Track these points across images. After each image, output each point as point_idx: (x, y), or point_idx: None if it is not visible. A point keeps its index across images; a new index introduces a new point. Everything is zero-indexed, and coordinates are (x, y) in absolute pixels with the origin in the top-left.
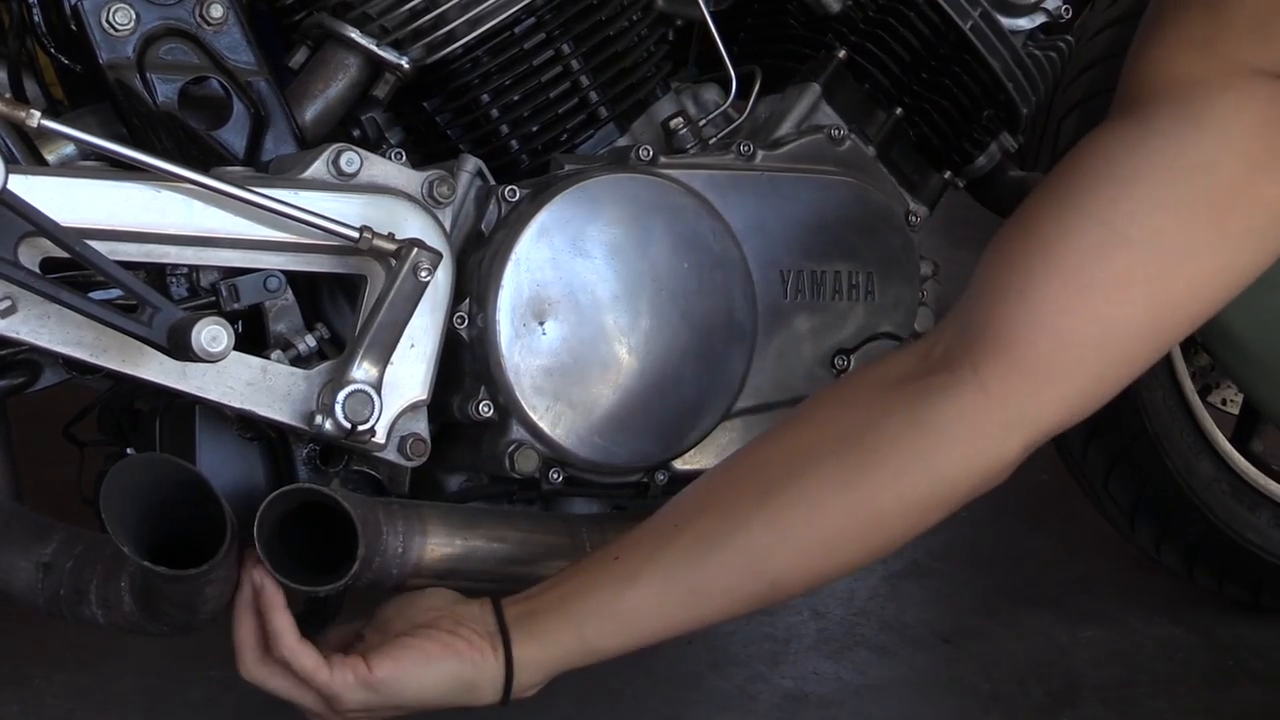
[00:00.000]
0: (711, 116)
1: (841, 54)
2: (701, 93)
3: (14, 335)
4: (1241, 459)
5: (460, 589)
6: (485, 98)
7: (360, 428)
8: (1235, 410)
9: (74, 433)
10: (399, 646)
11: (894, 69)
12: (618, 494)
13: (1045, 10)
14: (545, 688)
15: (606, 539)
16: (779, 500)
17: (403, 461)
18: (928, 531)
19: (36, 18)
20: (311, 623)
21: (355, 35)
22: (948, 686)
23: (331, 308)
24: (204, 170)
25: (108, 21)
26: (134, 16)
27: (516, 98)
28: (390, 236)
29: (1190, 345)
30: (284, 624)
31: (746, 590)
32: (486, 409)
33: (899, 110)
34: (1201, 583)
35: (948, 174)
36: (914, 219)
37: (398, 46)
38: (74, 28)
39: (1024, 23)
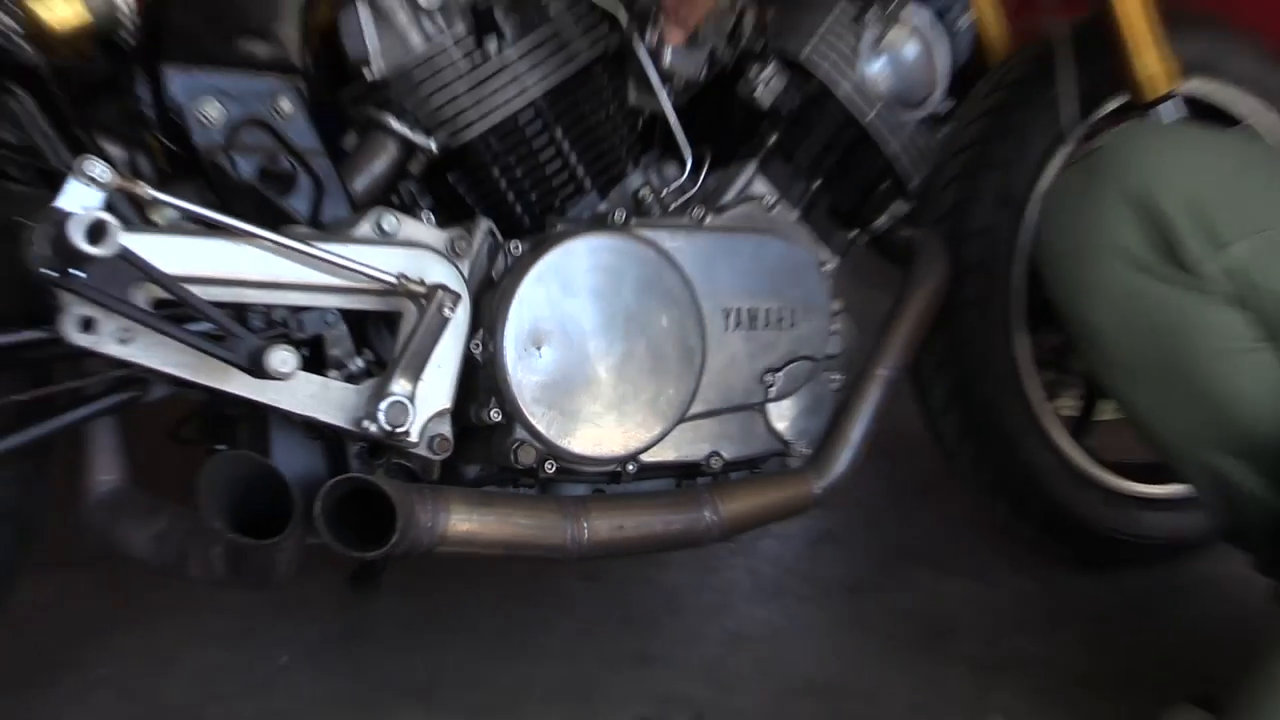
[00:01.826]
0: (671, 187)
1: (773, 140)
2: (664, 168)
3: (131, 359)
4: (1077, 450)
5: (474, 556)
6: (495, 173)
7: (398, 430)
8: (1074, 414)
9: (181, 437)
10: None
11: (812, 151)
12: (598, 480)
13: (931, 106)
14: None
15: (589, 520)
16: None
17: (431, 456)
18: (841, 502)
19: (148, 110)
20: (362, 580)
21: (394, 123)
22: (853, 627)
23: (375, 337)
24: (276, 229)
25: (201, 114)
26: (221, 110)
27: (519, 173)
28: (421, 282)
29: (1040, 366)
30: None
31: None
32: (496, 415)
33: (817, 183)
34: (1048, 549)
35: (854, 232)
36: (827, 267)
37: (427, 133)
38: (175, 118)
39: (913, 115)
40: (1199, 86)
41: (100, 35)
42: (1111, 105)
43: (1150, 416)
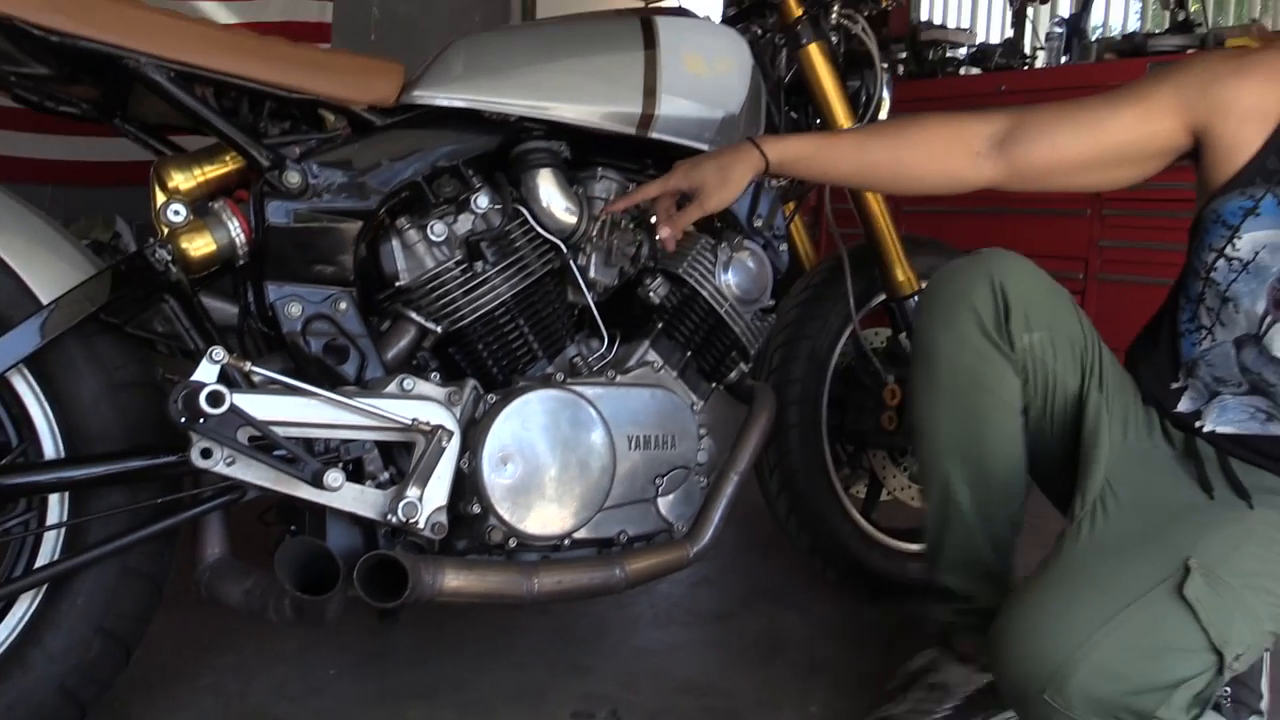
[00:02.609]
0: (594, 356)
1: (660, 325)
2: (589, 343)
3: (234, 476)
4: (865, 522)
5: (461, 605)
6: (479, 347)
7: (411, 521)
8: (863, 496)
9: (265, 520)
10: None
11: (685, 331)
12: (545, 550)
13: (763, 302)
14: (491, 652)
15: (539, 577)
16: (897, 141)
17: (433, 536)
18: (714, 557)
19: (252, 309)
20: (387, 616)
21: (413, 315)
22: (719, 644)
23: (397, 457)
24: (333, 388)
25: (286, 311)
26: (300, 309)
27: (495, 348)
28: (428, 424)
29: (839, 465)
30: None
31: (883, 172)
32: (476, 508)
33: (689, 353)
34: (849, 589)
35: (714, 384)
36: (696, 407)
37: (435, 322)
38: (270, 313)
39: (751, 308)
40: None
41: (223, 260)
42: (877, 300)
43: (935, 431)
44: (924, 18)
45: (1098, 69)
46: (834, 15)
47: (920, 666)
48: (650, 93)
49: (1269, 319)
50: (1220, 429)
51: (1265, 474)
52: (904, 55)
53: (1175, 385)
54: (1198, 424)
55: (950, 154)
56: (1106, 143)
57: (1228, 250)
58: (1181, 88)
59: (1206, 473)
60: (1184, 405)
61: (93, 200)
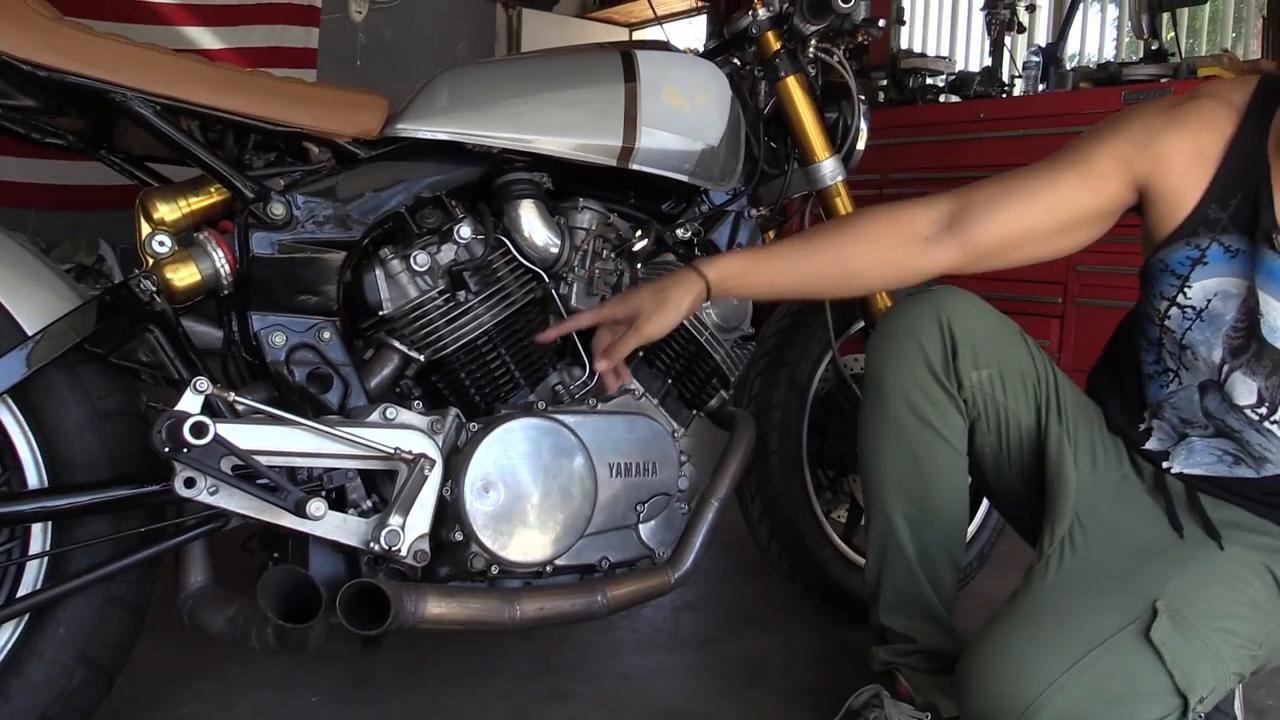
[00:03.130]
0: (576, 384)
1: (641, 353)
2: (571, 370)
3: (218, 505)
4: (845, 546)
5: (444, 632)
6: (461, 375)
7: (393, 549)
8: (844, 520)
9: (248, 548)
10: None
11: (666, 359)
12: (527, 577)
13: (743, 330)
14: (476, 678)
15: (521, 604)
16: (837, 241)
17: (415, 564)
18: (696, 583)
19: (236, 338)
20: (370, 643)
21: (396, 344)
22: (702, 669)
23: (380, 485)
24: (316, 417)
25: (270, 340)
26: (284, 338)
27: (477, 375)
28: (410, 452)
29: (819, 491)
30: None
31: (828, 276)
32: (459, 536)
33: (670, 381)
34: (828, 610)
35: (695, 411)
36: (677, 435)
37: (418, 350)
38: (254, 343)
39: (731, 336)
40: None
41: (208, 290)
42: (856, 327)
43: (879, 464)
44: (904, 46)
45: (1074, 97)
46: (811, 48)
47: (862, 703)
48: (630, 125)
49: (1227, 367)
50: (1188, 470)
51: (1235, 508)
52: (885, 83)
53: (1142, 426)
54: (1165, 464)
55: (898, 247)
56: (1055, 210)
57: (1179, 299)
58: (1120, 146)
59: (1176, 509)
60: (1152, 444)
61: (76, 224)
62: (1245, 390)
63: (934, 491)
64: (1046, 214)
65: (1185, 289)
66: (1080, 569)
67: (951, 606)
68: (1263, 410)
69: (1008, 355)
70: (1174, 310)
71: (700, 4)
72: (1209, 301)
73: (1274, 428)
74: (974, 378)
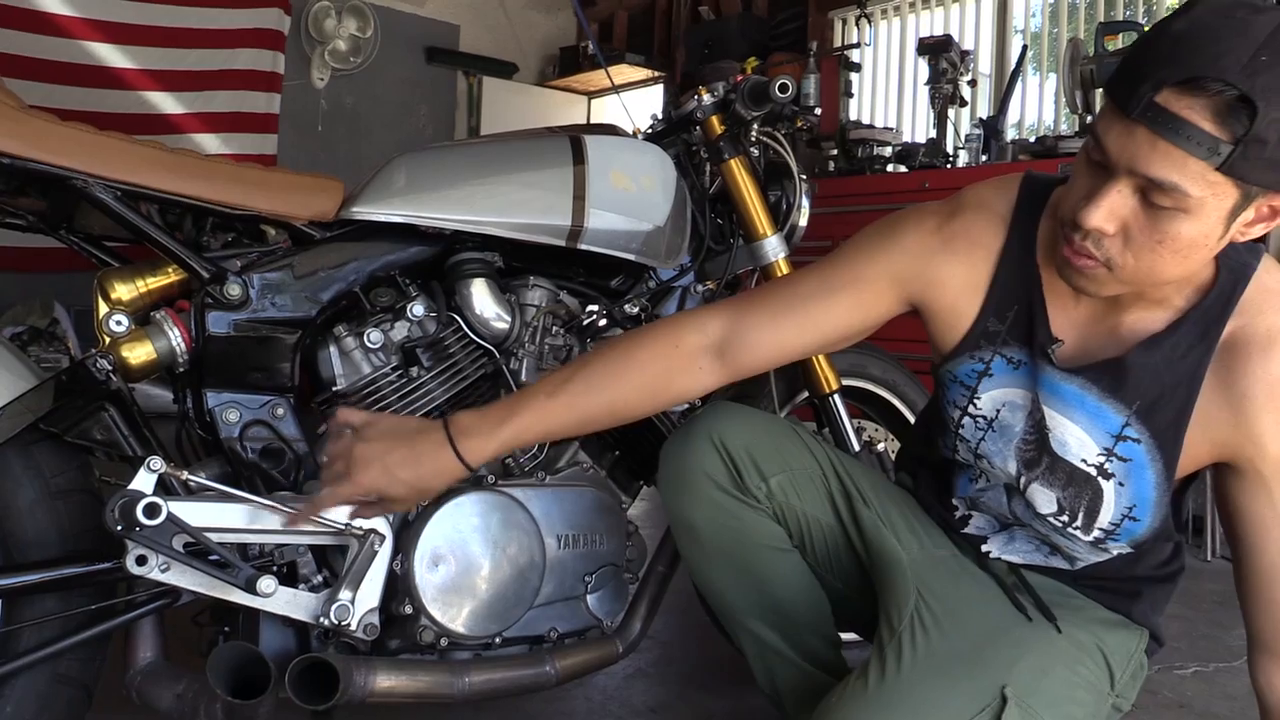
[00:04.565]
0: (525, 457)
1: None
2: None
3: (168, 582)
4: None
5: (395, 705)
6: None
7: (343, 624)
8: None
9: (199, 621)
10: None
11: (614, 432)
12: (476, 649)
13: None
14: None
15: (471, 676)
16: (606, 378)
17: (365, 638)
18: (647, 649)
19: (191, 413)
20: (321, 716)
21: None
22: None
23: (331, 560)
24: (269, 493)
25: (224, 417)
26: (239, 415)
27: None
28: (360, 528)
29: None
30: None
31: (593, 409)
32: (409, 609)
33: (618, 453)
34: None
35: (641, 482)
36: (625, 505)
37: None
38: (209, 419)
39: (679, 406)
40: (851, 383)
41: (163, 367)
42: (801, 397)
43: (721, 591)
44: (853, 117)
45: (1013, 169)
46: (754, 132)
47: None
48: (579, 206)
49: (1023, 479)
50: (1007, 558)
51: (1058, 583)
52: (835, 152)
53: (960, 513)
54: (984, 549)
55: (670, 377)
56: (828, 332)
57: (970, 409)
58: (894, 265)
59: (1010, 589)
60: (971, 529)
61: (30, 285)
62: (1045, 500)
63: (783, 594)
64: (819, 336)
65: (975, 400)
66: (932, 650)
67: (844, 667)
68: (1064, 518)
69: (790, 458)
70: (966, 420)
71: (657, 74)
72: (998, 412)
73: (1078, 533)
74: (764, 489)
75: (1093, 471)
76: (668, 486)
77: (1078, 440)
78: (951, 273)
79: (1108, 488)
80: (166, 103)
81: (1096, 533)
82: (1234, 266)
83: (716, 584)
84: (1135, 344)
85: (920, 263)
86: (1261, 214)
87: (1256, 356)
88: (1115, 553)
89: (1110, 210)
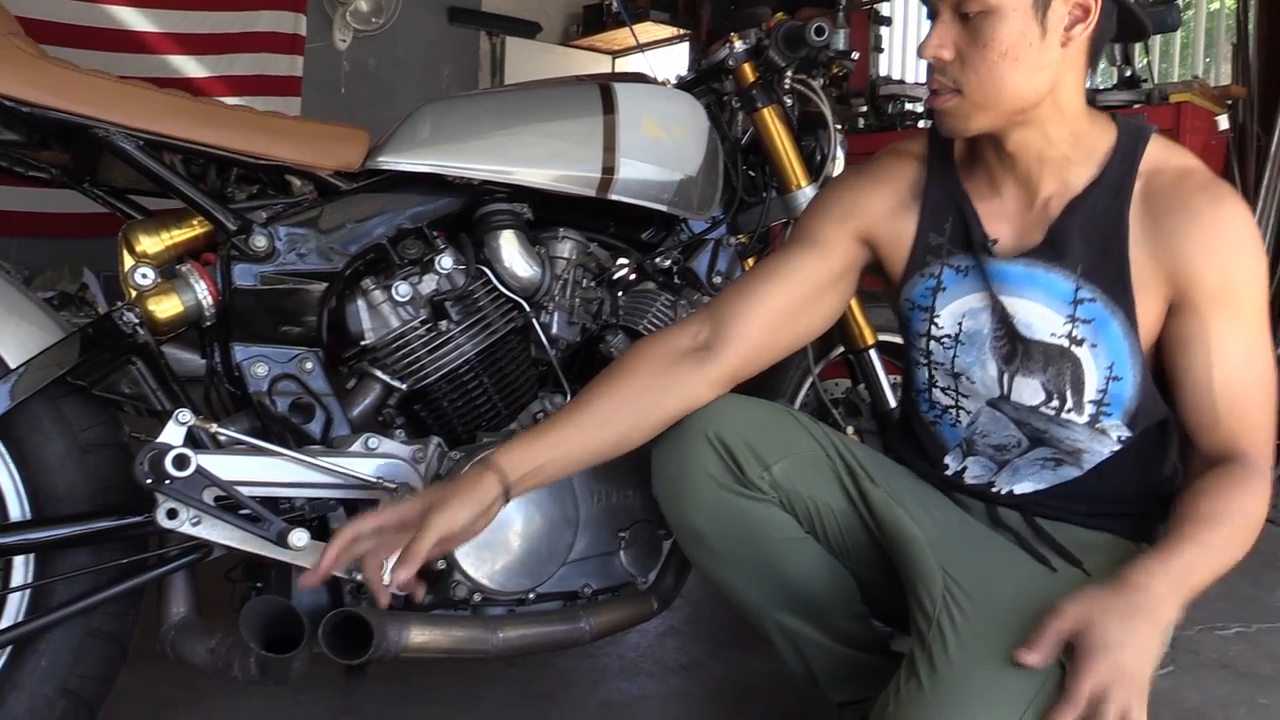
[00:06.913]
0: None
1: None
2: (553, 398)
3: (200, 536)
4: None
5: (428, 660)
6: (444, 404)
7: None
8: None
9: (231, 577)
10: None
11: None
12: (510, 605)
13: None
14: (460, 706)
15: (504, 631)
16: (617, 397)
17: (399, 593)
18: (680, 607)
19: (219, 368)
20: (354, 671)
21: (379, 373)
22: (686, 695)
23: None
24: (299, 447)
25: (253, 371)
26: (267, 369)
27: (460, 404)
28: (392, 482)
29: None
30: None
31: (631, 435)
32: (441, 564)
33: None
34: None
35: None
36: None
37: (400, 379)
38: (237, 373)
39: None
40: (888, 338)
41: (190, 321)
42: (836, 352)
43: (738, 589)
44: (883, 73)
45: None
46: (788, 79)
47: None
48: (610, 156)
49: (1005, 376)
50: (1018, 489)
51: (1071, 527)
52: (864, 109)
53: (955, 469)
54: (994, 489)
55: (679, 378)
56: (800, 282)
57: (933, 331)
58: (833, 212)
59: (1029, 542)
60: (970, 479)
61: (59, 251)
62: (1031, 391)
63: (804, 583)
64: (792, 287)
65: (935, 320)
66: (974, 631)
67: (876, 638)
68: (1055, 404)
69: (790, 442)
70: (934, 345)
71: (682, 32)
72: (960, 324)
73: (1072, 415)
74: (767, 479)
75: (1065, 343)
76: (665, 493)
77: (1041, 316)
78: (881, 199)
79: (1083, 354)
80: (188, 66)
81: (1089, 408)
82: (1133, 129)
83: (733, 584)
84: (1060, 214)
85: (853, 199)
86: (1075, 15)
87: (1174, 194)
88: (1115, 436)
89: (940, 38)
